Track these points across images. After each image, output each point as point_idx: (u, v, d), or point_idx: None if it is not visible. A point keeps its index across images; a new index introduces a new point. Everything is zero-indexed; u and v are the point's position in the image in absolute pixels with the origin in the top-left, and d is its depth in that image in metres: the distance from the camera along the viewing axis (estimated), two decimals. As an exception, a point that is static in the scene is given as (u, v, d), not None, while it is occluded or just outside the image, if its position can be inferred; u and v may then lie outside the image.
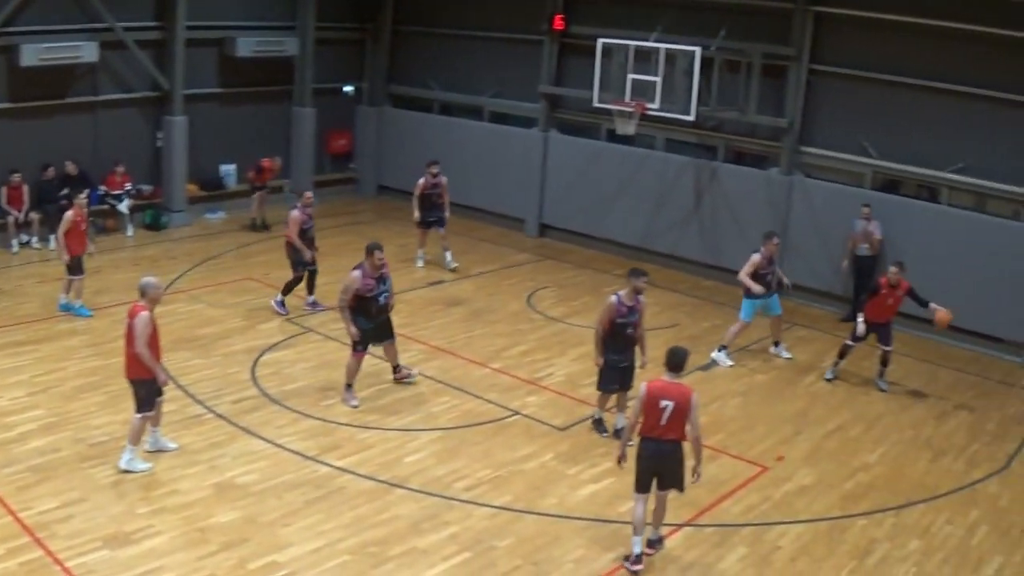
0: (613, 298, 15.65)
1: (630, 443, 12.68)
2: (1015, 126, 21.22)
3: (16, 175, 24.35)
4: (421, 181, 24.49)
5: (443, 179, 24.52)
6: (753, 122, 24.38)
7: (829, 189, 23.76)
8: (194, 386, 17.06)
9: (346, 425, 16.04)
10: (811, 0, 23.37)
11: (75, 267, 20.34)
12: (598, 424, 16.50)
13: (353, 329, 16.78)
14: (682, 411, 12.03)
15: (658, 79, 23.36)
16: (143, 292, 14.02)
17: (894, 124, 22.82)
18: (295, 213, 21.11)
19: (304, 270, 21.28)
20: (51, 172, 25.00)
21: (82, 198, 20.60)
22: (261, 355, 18.76)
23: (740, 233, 24.63)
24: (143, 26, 26.85)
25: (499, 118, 30.26)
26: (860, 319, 18.73)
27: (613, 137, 26.58)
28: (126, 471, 13.91)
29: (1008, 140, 21.27)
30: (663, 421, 12.07)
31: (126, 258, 24.34)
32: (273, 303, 21.27)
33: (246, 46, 28.47)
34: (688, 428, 12.17)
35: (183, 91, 27.49)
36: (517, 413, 17.03)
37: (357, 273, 16.71)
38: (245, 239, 26.70)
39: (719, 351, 19.97)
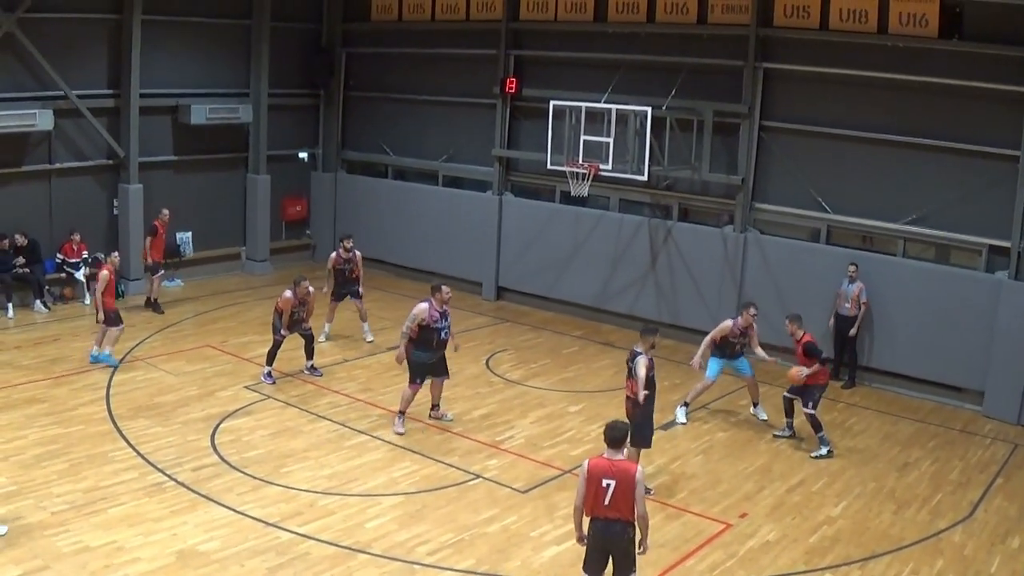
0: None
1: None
2: (966, 175, 21.52)
3: (-28, 243, 24.21)
4: (333, 255, 24.09)
5: (357, 253, 24.05)
6: (706, 180, 24.54)
7: (784, 245, 23.93)
8: (154, 454, 16.89)
9: (307, 491, 15.91)
10: (760, 57, 23.64)
11: (116, 319, 21.70)
12: None
13: (403, 353, 18.54)
14: (625, 489, 11.44)
15: (610, 140, 23.42)
16: None
17: (847, 178, 23.08)
18: (287, 294, 21.13)
19: (283, 338, 21.23)
20: (5, 242, 24.85)
21: (114, 256, 22.58)
22: (220, 422, 18.62)
23: (697, 291, 24.80)
24: (97, 94, 26.89)
25: (453, 182, 30.37)
26: (804, 371, 18.65)
27: (567, 199, 26.72)
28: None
29: (960, 189, 21.53)
30: (606, 501, 11.47)
31: (84, 326, 24.11)
32: (262, 376, 21.26)
33: (200, 113, 28.49)
34: (633, 504, 11.53)
35: (138, 159, 27.47)
36: (479, 476, 16.95)
37: (425, 305, 18.35)
38: (202, 307, 26.61)
39: (681, 407, 19.95)
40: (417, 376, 18.65)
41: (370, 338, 24.30)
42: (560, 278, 27.58)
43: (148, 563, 13.38)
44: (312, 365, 21.88)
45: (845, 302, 22.29)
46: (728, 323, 19.66)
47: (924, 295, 21.84)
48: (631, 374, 16.03)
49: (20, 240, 25.20)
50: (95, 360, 21.52)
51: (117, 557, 13.47)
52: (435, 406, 19.51)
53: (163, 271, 26.71)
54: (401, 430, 18.65)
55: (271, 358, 21.25)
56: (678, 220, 25.67)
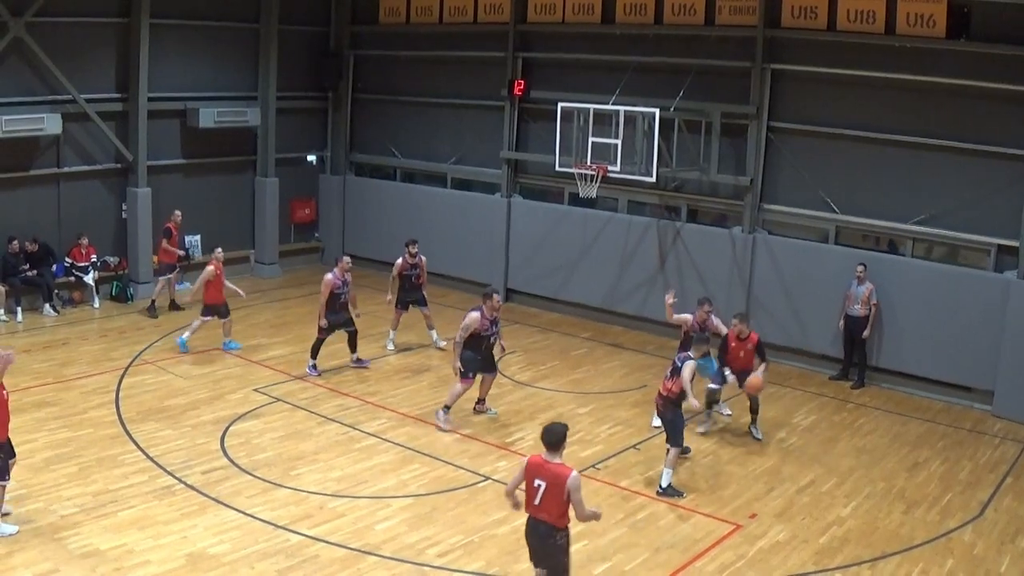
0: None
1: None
2: (974, 176, 21.48)
3: (-21, 246, 24.28)
4: (399, 261, 23.72)
5: (423, 259, 23.78)
6: (715, 181, 24.54)
7: (793, 246, 23.92)
8: (163, 457, 16.91)
9: (317, 494, 15.91)
10: (768, 58, 23.63)
11: (223, 312, 23.17)
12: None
13: (458, 363, 18.94)
14: (555, 493, 11.20)
15: (618, 141, 23.44)
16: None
17: (855, 178, 23.05)
18: (328, 276, 21.54)
19: (326, 334, 21.65)
20: (15, 245, 24.91)
21: (219, 252, 23.47)
22: (230, 425, 18.63)
23: (706, 292, 24.70)
24: (106, 97, 26.94)
25: (462, 184, 30.40)
26: (727, 369, 18.90)
27: (576, 200, 26.74)
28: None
29: (968, 190, 21.51)
30: (536, 500, 11.36)
31: (93, 330, 24.20)
32: (307, 369, 21.74)
33: (208, 117, 28.50)
34: (572, 511, 11.35)
35: (147, 162, 27.53)
36: (488, 478, 16.93)
37: (476, 314, 18.80)
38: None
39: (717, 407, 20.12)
40: (470, 371, 19.03)
41: (441, 343, 24.00)
42: (569, 280, 27.58)
43: (158, 566, 13.39)
44: (358, 357, 22.29)
45: (855, 303, 22.23)
46: (688, 316, 19.99)
47: (933, 295, 21.81)
48: (674, 374, 16.49)
49: (30, 246, 25.26)
50: (228, 348, 23.26)
51: (127, 560, 13.48)
52: (481, 400, 20.00)
53: (176, 271, 26.61)
54: (446, 426, 19.01)
55: (315, 351, 21.73)
56: (687, 221, 25.66)
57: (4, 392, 13.74)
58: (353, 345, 22.23)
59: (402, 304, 23.86)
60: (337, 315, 21.70)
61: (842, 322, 22.63)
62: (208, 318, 23.04)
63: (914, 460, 18.60)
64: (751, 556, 14.59)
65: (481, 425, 19.42)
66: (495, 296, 19.02)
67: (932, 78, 21.46)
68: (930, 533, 15.53)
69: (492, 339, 19.21)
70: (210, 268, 22.91)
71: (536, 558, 11.82)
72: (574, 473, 11.27)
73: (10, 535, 13.89)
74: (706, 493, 16.72)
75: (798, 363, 23.70)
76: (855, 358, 22.74)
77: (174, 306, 26.17)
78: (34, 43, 24.91)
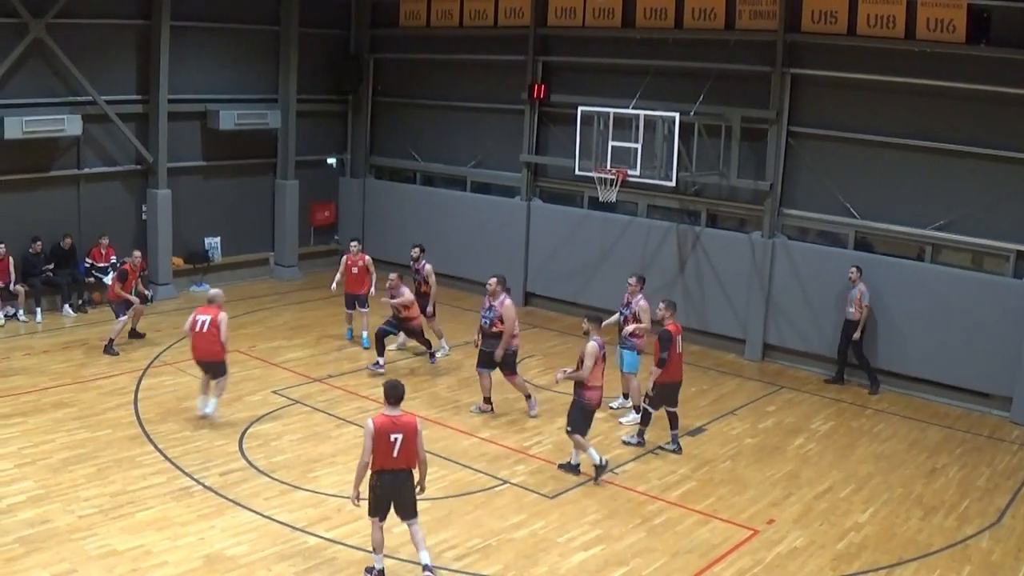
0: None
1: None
2: (994, 181, 21.42)
3: (0, 247, 24.36)
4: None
5: (427, 266, 23.61)
6: (734, 186, 24.51)
7: (812, 251, 23.88)
8: (181, 458, 16.96)
9: (335, 496, 15.89)
10: (788, 63, 23.60)
11: (363, 302, 24.08)
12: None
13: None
14: (410, 440, 12.85)
15: (638, 146, 23.42)
16: (213, 300, 19.15)
17: (874, 183, 22.99)
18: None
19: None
20: (38, 246, 25.03)
21: (353, 245, 24.56)
22: (248, 427, 18.67)
23: (725, 297, 24.73)
24: (126, 99, 27.08)
25: (481, 188, 30.44)
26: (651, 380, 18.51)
27: (595, 204, 26.69)
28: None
29: (988, 195, 21.43)
30: (395, 453, 12.80)
31: (112, 330, 24.24)
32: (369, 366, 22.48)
33: (228, 119, 28.62)
34: (417, 452, 12.99)
35: (167, 164, 27.63)
36: (506, 482, 16.94)
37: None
38: (230, 312, 26.50)
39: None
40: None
41: (438, 355, 23.81)
42: (588, 284, 27.55)
43: (175, 567, 13.43)
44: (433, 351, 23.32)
45: (848, 306, 22.33)
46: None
47: (952, 301, 21.73)
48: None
49: (64, 243, 25.67)
50: (366, 345, 23.86)
51: (144, 561, 13.52)
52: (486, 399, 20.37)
53: (132, 308, 23.74)
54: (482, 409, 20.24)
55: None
56: (706, 226, 25.63)
57: None
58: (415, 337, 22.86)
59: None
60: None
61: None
62: (351, 311, 24.42)
63: (932, 466, 18.55)
64: (769, 561, 14.56)
65: (499, 429, 19.44)
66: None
67: (952, 83, 21.42)
68: (948, 539, 15.48)
69: (485, 322, 19.82)
70: (344, 259, 24.40)
71: (387, 509, 13.21)
72: (417, 418, 13.26)
73: None
74: (724, 498, 16.69)
75: (817, 368, 23.64)
76: (852, 360, 22.81)
77: (135, 334, 24.17)
78: (54, 44, 25.03)
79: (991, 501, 17.05)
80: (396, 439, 12.77)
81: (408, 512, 13.26)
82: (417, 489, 13.28)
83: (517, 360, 20.38)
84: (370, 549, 13.51)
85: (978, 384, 21.70)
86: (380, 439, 12.75)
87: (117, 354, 22.73)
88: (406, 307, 22.10)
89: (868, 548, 15.09)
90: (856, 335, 22.25)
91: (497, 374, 19.98)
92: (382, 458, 12.83)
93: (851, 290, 22.27)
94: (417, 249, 23.80)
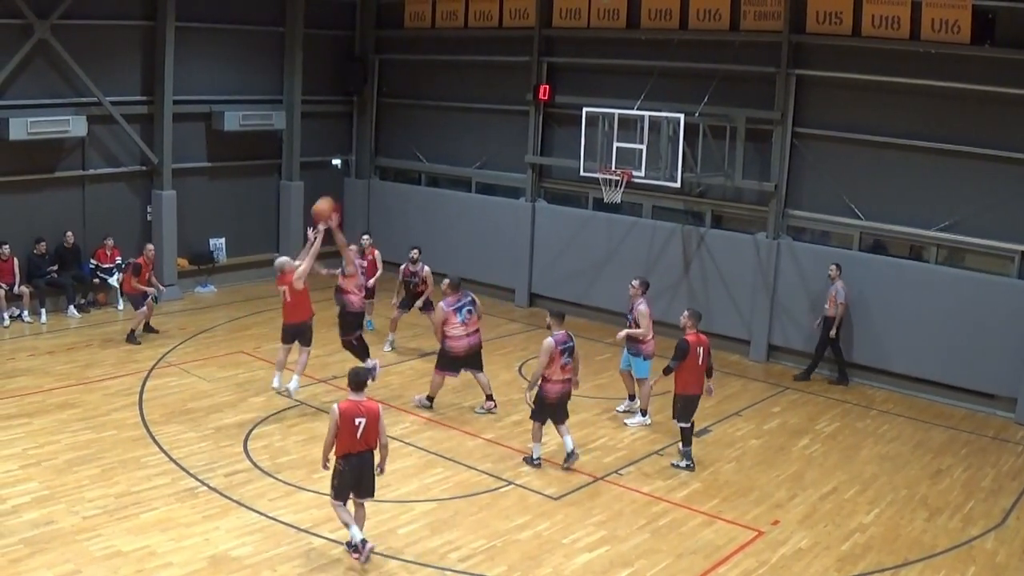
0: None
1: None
2: (998, 182, 21.43)
3: (5, 248, 24.37)
4: (402, 267, 24.04)
5: (425, 268, 23.86)
6: (739, 187, 24.50)
7: (817, 251, 23.86)
8: (186, 459, 16.96)
9: (339, 496, 15.94)
10: (793, 64, 23.59)
11: (370, 294, 24.03)
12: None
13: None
14: (373, 423, 13.52)
15: (643, 147, 23.46)
16: (283, 269, 20.25)
17: (879, 184, 22.98)
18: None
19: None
20: (43, 246, 25.05)
21: (365, 238, 24.92)
22: (253, 428, 18.68)
23: (729, 298, 24.73)
24: (131, 100, 27.10)
25: (486, 189, 30.45)
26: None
27: (600, 205, 26.66)
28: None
29: (992, 196, 21.43)
30: (359, 435, 13.46)
31: (118, 331, 24.20)
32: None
33: (233, 120, 28.63)
34: (379, 435, 13.69)
35: (171, 165, 27.67)
36: (511, 483, 16.94)
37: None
38: (236, 312, 26.70)
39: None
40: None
41: (387, 348, 24.21)
42: (593, 285, 27.55)
43: (180, 568, 13.43)
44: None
45: (826, 303, 22.57)
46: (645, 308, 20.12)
47: (956, 301, 21.74)
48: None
49: (67, 242, 25.74)
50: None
51: (149, 562, 13.52)
52: (489, 396, 20.49)
53: (148, 299, 24.23)
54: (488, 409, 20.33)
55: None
56: (711, 227, 25.63)
57: None
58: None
59: (403, 306, 24.16)
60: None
61: (818, 322, 22.96)
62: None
63: (937, 467, 18.55)
64: (773, 563, 14.56)
65: (504, 430, 19.43)
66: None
67: (957, 84, 21.41)
68: (952, 540, 15.49)
69: (460, 316, 19.95)
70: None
71: (362, 490, 13.86)
72: (378, 404, 13.94)
73: None
74: (729, 499, 16.69)
75: (821, 370, 23.61)
76: (833, 355, 23.07)
77: (148, 328, 24.57)
78: (59, 45, 25.04)
79: (996, 502, 17.05)
80: (360, 423, 13.41)
81: (368, 493, 13.94)
82: (377, 471, 13.87)
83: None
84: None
85: (983, 385, 21.69)
86: (345, 423, 13.38)
87: (139, 343, 23.55)
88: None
89: (873, 549, 15.09)
90: (832, 333, 22.48)
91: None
92: (348, 440, 13.45)
93: (830, 287, 22.41)
94: (416, 251, 23.87)
